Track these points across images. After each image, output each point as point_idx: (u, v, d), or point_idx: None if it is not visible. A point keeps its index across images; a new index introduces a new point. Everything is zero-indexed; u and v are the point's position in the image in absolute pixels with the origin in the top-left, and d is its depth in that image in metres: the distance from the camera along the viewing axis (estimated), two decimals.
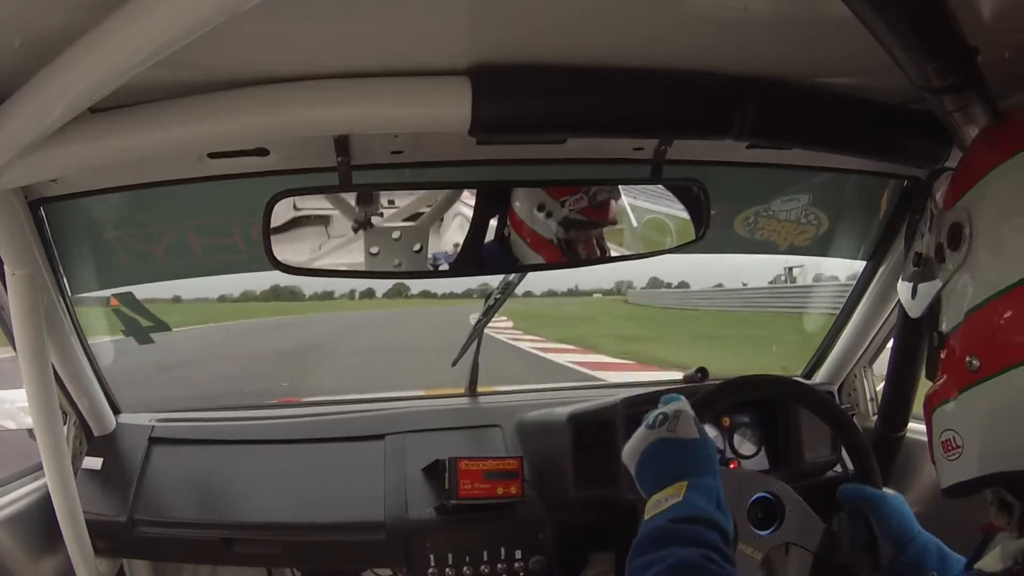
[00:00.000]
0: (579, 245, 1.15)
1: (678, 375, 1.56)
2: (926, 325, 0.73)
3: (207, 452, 1.46)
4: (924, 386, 1.43)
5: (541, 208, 1.12)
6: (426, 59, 0.84)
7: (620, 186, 1.17)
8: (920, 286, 0.74)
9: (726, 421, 1.45)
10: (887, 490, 1.03)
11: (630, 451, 0.92)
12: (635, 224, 1.20)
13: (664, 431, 0.89)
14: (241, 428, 1.53)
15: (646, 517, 0.82)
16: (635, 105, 0.92)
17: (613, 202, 1.16)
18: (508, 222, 1.14)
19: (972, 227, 0.64)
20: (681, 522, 0.78)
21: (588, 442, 1.36)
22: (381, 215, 1.10)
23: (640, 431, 0.92)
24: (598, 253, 1.16)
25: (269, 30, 0.74)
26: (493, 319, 1.72)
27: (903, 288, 0.78)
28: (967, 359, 0.64)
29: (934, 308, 0.72)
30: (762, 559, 1.09)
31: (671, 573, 0.71)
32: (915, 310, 0.75)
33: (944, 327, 0.69)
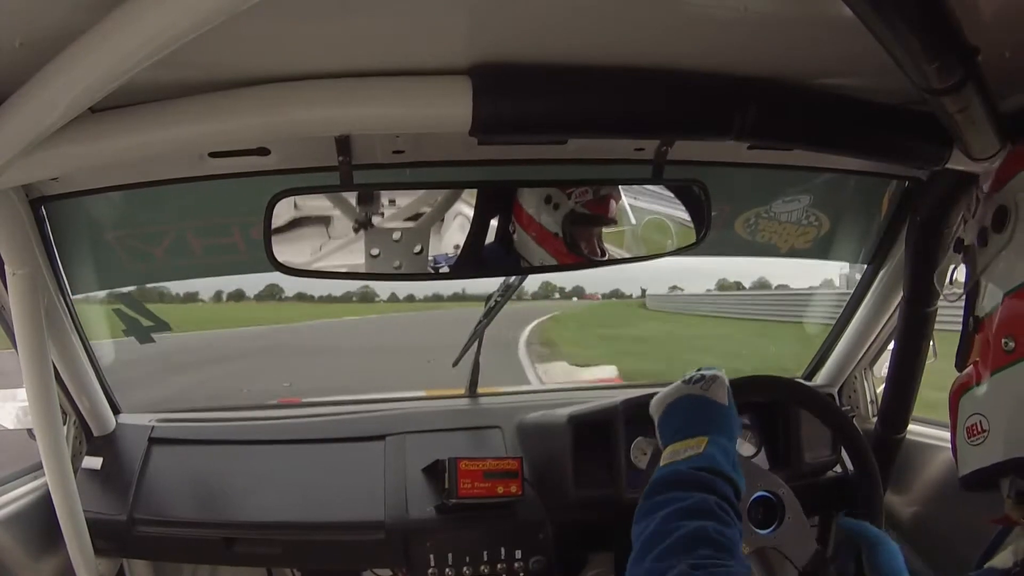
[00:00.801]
0: (582, 242, 1.15)
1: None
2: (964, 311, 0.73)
3: (207, 452, 1.46)
4: (924, 388, 1.44)
5: (548, 200, 1.12)
6: (426, 59, 0.84)
7: (621, 187, 1.17)
8: (959, 271, 0.75)
9: None
10: (885, 532, 1.03)
11: (660, 400, 0.95)
12: (635, 225, 1.20)
13: (698, 388, 0.93)
14: (241, 428, 1.53)
15: (662, 464, 0.84)
16: (636, 105, 0.92)
17: (614, 201, 1.16)
18: (514, 220, 1.14)
19: (1019, 210, 0.65)
20: (700, 471, 0.80)
21: (588, 443, 1.36)
22: (382, 215, 1.10)
23: (675, 384, 0.96)
24: (599, 252, 1.16)
25: (269, 30, 0.74)
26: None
27: (939, 275, 0.78)
28: (1002, 340, 0.64)
29: (972, 293, 0.71)
30: (752, 552, 1.09)
31: (688, 514, 0.72)
32: (952, 296, 0.76)
33: (981, 311, 0.69)
